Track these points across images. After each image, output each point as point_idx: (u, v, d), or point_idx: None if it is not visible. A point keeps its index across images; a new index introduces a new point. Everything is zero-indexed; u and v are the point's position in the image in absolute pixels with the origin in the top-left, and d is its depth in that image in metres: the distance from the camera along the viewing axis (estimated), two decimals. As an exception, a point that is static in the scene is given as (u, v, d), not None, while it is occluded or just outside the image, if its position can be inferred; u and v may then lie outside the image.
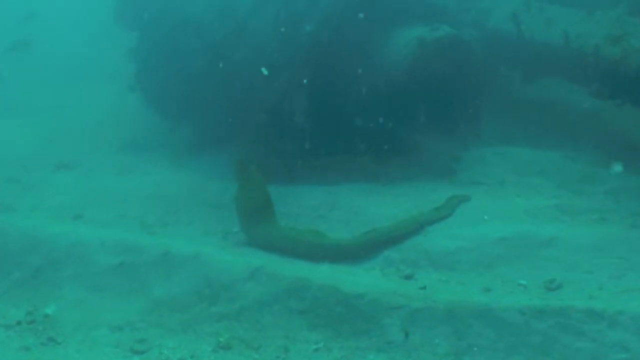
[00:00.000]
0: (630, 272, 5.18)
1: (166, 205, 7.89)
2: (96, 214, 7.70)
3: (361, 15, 8.13)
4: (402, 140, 8.08)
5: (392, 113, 7.99)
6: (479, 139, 8.31)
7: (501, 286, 5.25)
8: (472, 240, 5.84)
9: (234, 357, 4.99)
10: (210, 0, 9.68)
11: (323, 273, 5.57)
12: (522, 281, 5.27)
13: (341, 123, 8.11)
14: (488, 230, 5.96)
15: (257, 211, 6.56)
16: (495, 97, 8.66)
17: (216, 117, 9.68)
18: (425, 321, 4.82)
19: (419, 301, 4.97)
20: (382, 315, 4.94)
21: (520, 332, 4.57)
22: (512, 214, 6.42)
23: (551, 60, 8.27)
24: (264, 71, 7.69)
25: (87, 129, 11.41)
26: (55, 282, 6.09)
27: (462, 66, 8.12)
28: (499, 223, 6.16)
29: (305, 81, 8.03)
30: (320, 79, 8.05)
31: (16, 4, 15.63)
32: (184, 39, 10.20)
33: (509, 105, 8.88)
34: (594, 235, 5.71)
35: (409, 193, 7.28)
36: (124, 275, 6.09)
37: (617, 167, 7.00)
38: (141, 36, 11.67)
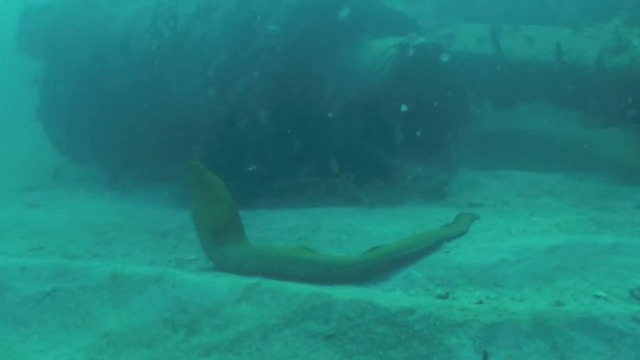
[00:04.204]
0: None
1: (94, 235, 6.32)
2: (3, 246, 5.99)
3: (329, 19, 7.13)
4: (381, 159, 6.95)
5: (370, 128, 6.89)
6: (459, 162, 7.33)
7: (573, 300, 4.10)
8: (515, 253, 4.68)
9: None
10: (141, 11, 8.39)
11: (345, 288, 4.20)
12: (598, 292, 4.14)
13: (309, 139, 6.89)
14: (531, 241, 4.85)
15: (224, 228, 5.11)
16: (468, 122, 7.79)
17: (144, 148, 8.23)
18: (508, 338, 3.55)
19: (490, 314, 3.69)
20: (445, 333, 3.61)
21: (641, 344, 3.40)
22: (541, 228, 5.38)
23: (534, 81, 7.55)
24: None
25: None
26: (-42, 318, 4.36)
27: (442, 80, 7.22)
28: (536, 236, 5.07)
29: (266, 90, 6.81)
30: (284, 87, 6.87)
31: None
32: (106, 61, 8.82)
33: (481, 131, 8.03)
34: (660, 242, 4.71)
35: (403, 214, 6.10)
36: (58, 305, 4.47)
37: None
38: (48, 65, 10.16)
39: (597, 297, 4.11)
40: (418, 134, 7.05)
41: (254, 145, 6.76)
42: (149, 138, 7.96)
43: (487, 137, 7.90)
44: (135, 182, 7.92)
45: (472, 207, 6.26)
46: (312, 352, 3.70)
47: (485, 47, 8.08)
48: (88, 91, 9.14)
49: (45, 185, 8.71)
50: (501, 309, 3.76)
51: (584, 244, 4.68)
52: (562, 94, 7.31)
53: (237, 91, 6.85)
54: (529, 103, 7.98)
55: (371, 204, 6.41)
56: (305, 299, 3.99)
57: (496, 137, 7.94)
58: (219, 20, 7.36)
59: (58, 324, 4.30)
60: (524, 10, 8.22)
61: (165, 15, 7.89)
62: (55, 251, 5.90)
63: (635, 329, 3.48)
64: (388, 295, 4.18)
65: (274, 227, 5.95)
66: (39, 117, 9.99)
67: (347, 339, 3.72)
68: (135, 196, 7.40)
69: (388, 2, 7.67)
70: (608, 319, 3.54)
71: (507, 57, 7.69)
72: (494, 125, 8.13)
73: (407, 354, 3.59)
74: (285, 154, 6.77)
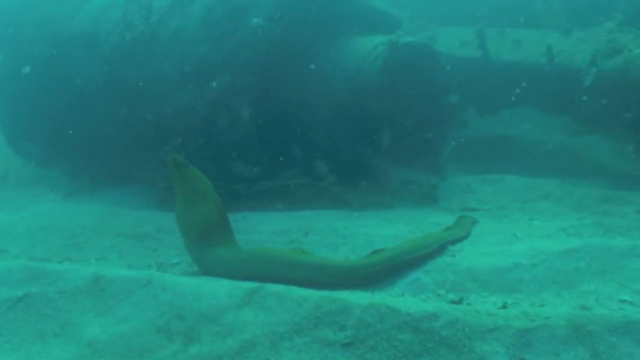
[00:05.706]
0: None
1: (62, 239, 5.82)
2: (-42, 250, 5.47)
3: (315, 14, 6.81)
4: (370, 161, 6.63)
5: (358, 128, 6.57)
6: (449, 165, 7.08)
7: (598, 304, 3.85)
8: (529, 256, 4.42)
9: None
10: (110, 3, 7.93)
11: (354, 293, 3.85)
12: (624, 297, 3.90)
13: (295, 139, 6.54)
14: (543, 245, 4.59)
15: (211, 228, 4.66)
16: (457, 124, 7.56)
17: (113, 148, 7.76)
18: (544, 345, 3.25)
19: (522, 319, 3.40)
20: (476, 340, 3.30)
21: (689, 351, 3.15)
22: (547, 232, 5.15)
23: (522, 85, 7.36)
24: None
25: None
26: None
27: (431, 81, 6.97)
28: (546, 239, 4.82)
29: (249, 86, 6.44)
30: (268, 84, 6.50)
31: None
32: (69, 56, 8.32)
33: (468, 135, 7.80)
34: (676, 245, 4.51)
35: (398, 218, 5.80)
36: (33, 311, 3.98)
37: None
38: (4, 60, 9.56)
39: (623, 301, 3.87)
40: (408, 136, 6.78)
41: (235, 144, 6.36)
42: (120, 137, 7.49)
43: (475, 141, 7.68)
44: (104, 184, 7.42)
45: (467, 212, 6.00)
46: (328, 361, 3.34)
47: (469, 50, 7.89)
48: (49, 88, 8.61)
49: (3, 187, 8.11)
50: (532, 314, 3.47)
51: (599, 247, 4.45)
52: (551, 98, 7.14)
53: (218, 87, 6.46)
54: (516, 108, 7.79)
55: (361, 207, 6.09)
56: (317, 303, 3.63)
57: (484, 141, 7.73)
58: (196, 12, 6.96)
59: (33, 333, 3.83)
60: (510, 14, 8.06)
61: (138, 5, 7.45)
62: (20, 255, 5.38)
63: (682, 334, 3.23)
64: (403, 300, 3.85)
65: (261, 230, 5.56)
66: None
67: (367, 347, 3.37)
68: (107, 198, 6.90)
69: (374, 1, 7.41)
70: (651, 323, 3.28)
71: (495, 60, 7.49)
72: (480, 130, 7.92)
73: (435, 363, 3.26)
74: (269, 154, 6.40)
